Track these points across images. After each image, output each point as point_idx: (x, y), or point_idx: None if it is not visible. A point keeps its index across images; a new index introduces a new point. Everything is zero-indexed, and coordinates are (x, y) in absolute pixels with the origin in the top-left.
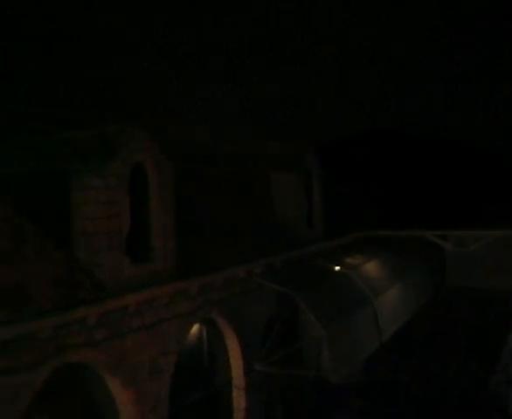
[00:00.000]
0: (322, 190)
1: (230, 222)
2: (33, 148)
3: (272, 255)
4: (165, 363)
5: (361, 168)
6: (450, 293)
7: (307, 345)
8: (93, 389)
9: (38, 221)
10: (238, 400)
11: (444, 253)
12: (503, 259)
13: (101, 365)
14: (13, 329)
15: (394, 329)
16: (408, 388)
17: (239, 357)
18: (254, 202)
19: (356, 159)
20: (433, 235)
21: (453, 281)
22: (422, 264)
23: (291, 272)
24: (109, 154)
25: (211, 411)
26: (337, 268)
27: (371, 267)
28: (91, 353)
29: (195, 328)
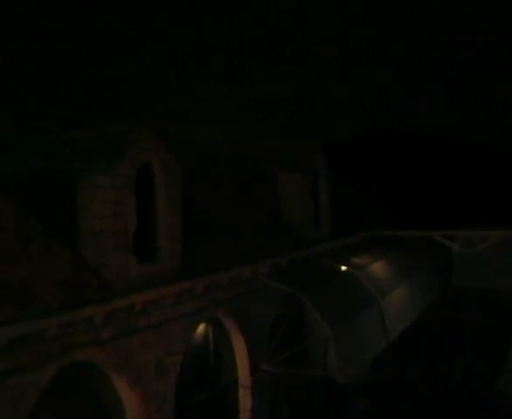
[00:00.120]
0: (329, 190)
1: (236, 221)
2: (40, 148)
3: (278, 255)
4: (171, 363)
5: (368, 167)
6: (457, 293)
7: (314, 345)
8: (99, 389)
9: (45, 220)
10: (244, 399)
11: (451, 253)
12: (511, 260)
13: (108, 364)
14: (19, 328)
15: (401, 329)
16: (415, 388)
17: (245, 357)
18: (261, 201)
19: (362, 159)
20: (440, 235)
21: (460, 281)
22: (429, 265)
23: (297, 272)
24: (116, 153)
25: (216, 411)
26: (344, 268)
27: (378, 267)
28: (97, 353)
29: (201, 328)
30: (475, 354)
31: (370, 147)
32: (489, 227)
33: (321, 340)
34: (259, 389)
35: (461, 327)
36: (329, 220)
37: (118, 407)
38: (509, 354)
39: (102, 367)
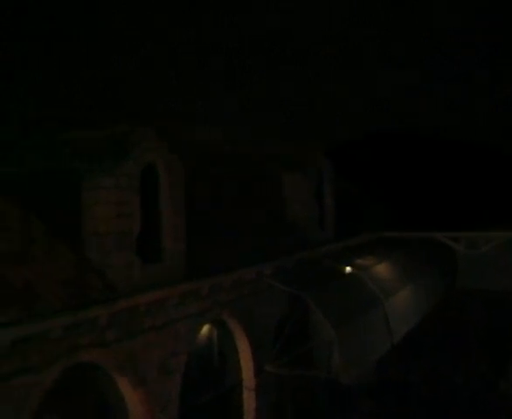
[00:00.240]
0: (333, 191)
1: (240, 222)
2: (44, 148)
3: (282, 256)
4: (176, 363)
5: (372, 169)
6: (461, 295)
7: (318, 346)
8: (103, 389)
9: (49, 221)
10: (249, 401)
11: (455, 255)
12: None
13: (112, 365)
14: (23, 329)
15: (405, 331)
16: (419, 389)
17: (250, 358)
18: (265, 203)
19: (366, 160)
20: (444, 236)
21: (464, 283)
22: (433, 266)
23: (301, 273)
24: (120, 154)
25: (221, 412)
26: (348, 269)
27: (382, 268)
28: (102, 354)
29: (205, 329)
30: (479, 356)
31: (373, 149)
32: (493, 228)
33: (325, 341)
34: (264, 391)
35: (465, 329)
36: (333, 221)
37: (122, 407)
38: None
39: (106, 367)
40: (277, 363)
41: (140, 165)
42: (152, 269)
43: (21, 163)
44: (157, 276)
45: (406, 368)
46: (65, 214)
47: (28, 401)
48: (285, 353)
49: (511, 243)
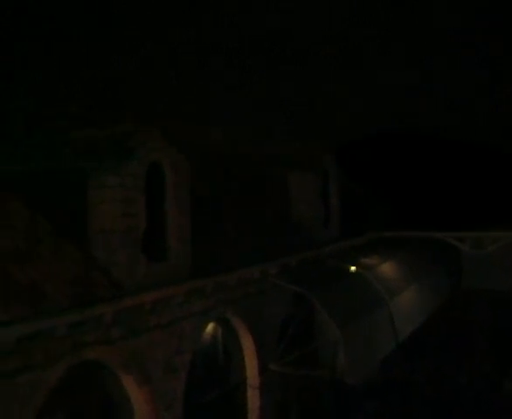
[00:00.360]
0: (339, 191)
1: (246, 222)
2: (49, 147)
3: (287, 255)
4: (180, 362)
5: (377, 168)
6: (466, 295)
7: (323, 345)
8: (108, 387)
9: (55, 220)
10: (253, 399)
11: (461, 255)
12: None
13: (117, 363)
14: (29, 327)
15: (410, 330)
16: (423, 389)
17: (254, 357)
18: (271, 202)
19: (372, 159)
20: (450, 236)
21: (469, 283)
22: (438, 266)
23: (306, 273)
24: (126, 153)
25: (225, 410)
26: (353, 268)
27: (387, 268)
28: (107, 352)
29: (210, 327)
30: (483, 356)
31: (379, 149)
32: (499, 228)
33: (330, 340)
34: (268, 389)
35: (470, 329)
36: (339, 221)
37: (127, 405)
38: None
39: (111, 365)
40: (281, 362)
41: (145, 164)
42: (157, 267)
43: (27, 162)
44: (162, 274)
45: (411, 368)
46: (71, 212)
47: (33, 398)
48: (289, 352)
49: None
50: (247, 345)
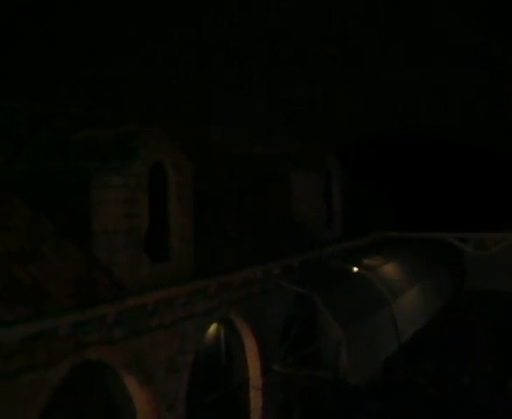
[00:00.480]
0: (342, 191)
1: (248, 222)
2: (52, 147)
3: (290, 255)
4: (183, 362)
5: (380, 168)
6: (469, 296)
7: (326, 346)
8: (110, 387)
9: (57, 220)
10: (255, 400)
11: (464, 255)
12: None
13: (119, 363)
14: (31, 327)
15: (412, 331)
16: (426, 390)
17: (257, 357)
18: (273, 202)
19: (375, 159)
20: (453, 237)
21: (472, 284)
22: (441, 267)
23: (309, 273)
24: (129, 153)
25: (227, 411)
26: (355, 269)
27: (390, 269)
28: (109, 352)
29: (212, 328)
30: (486, 357)
31: (382, 149)
32: (502, 229)
33: (332, 341)
34: (270, 390)
35: (473, 330)
36: (341, 221)
37: (129, 406)
38: None
39: (114, 366)
40: (284, 363)
41: (148, 164)
42: (160, 267)
43: (30, 162)
44: (165, 274)
45: (414, 369)
46: (74, 212)
47: (36, 398)
48: (292, 353)
49: None
50: (250, 345)
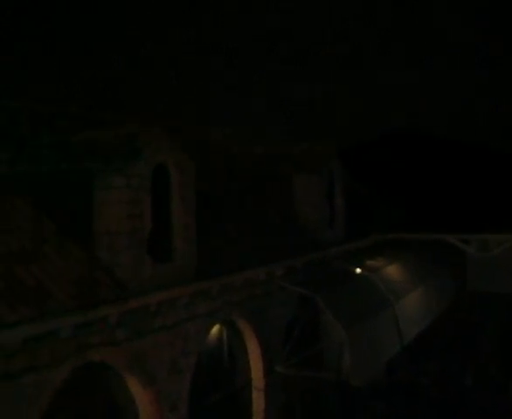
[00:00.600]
0: (344, 192)
1: (251, 223)
2: (55, 147)
3: (293, 257)
4: (185, 363)
5: (382, 169)
6: (472, 297)
7: (328, 347)
8: (113, 389)
9: (60, 220)
10: (258, 401)
11: (466, 257)
12: None
13: (122, 364)
14: (34, 327)
15: (415, 332)
16: (429, 391)
17: (259, 359)
18: (276, 203)
19: (378, 161)
20: (455, 238)
21: (475, 285)
22: (444, 268)
23: (312, 274)
24: (132, 154)
25: (230, 412)
26: (358, 270)
27: (392, 270)
28: (112, 353)
29: (215, 329)
30: (489, 358)
31: (384, 149)
32: (505, 230)
33: (335, 342)
34: (273, 391)
35: (475, 331)
36: (344, 222)
37: (132, 407)
38: None
39: (116, 367)
40: (287, 364)
41: (151, 165)
42: (163, 268)
43: (32, 163)
44: (168, 275)
45: (416, 370)
46: (77, 213)
47: (38, 399)
48: (294, 354)
49: None
50: (252, 347)
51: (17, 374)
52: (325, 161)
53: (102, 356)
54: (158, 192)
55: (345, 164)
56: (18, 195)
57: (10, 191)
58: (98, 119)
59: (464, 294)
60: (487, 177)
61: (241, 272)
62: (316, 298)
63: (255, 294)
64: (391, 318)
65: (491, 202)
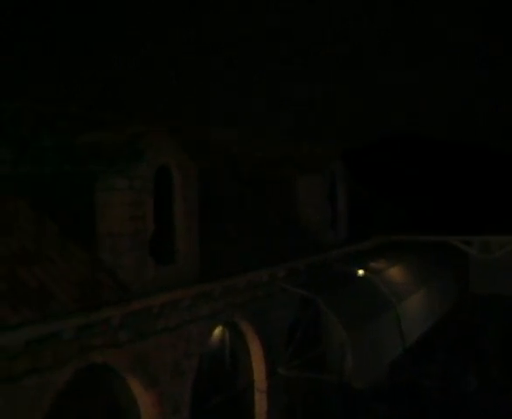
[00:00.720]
0: (346, 194)
1: (254, 224)
2: (58, 149)
3: (295, 259)
4: (188, 365)
5: (385, 171)
6: (474, 299)
7: (330, 349)
8: (115, 390)
9: (62, 222)
10: (260, 403)
11: (468, 259)
12: None
13: (124, 366)
14: (36, 329)
15: (417, 334)
16: (431, 393)
17: (262, 360)
18: (278, 205)
19: (380, 162)
20: (458, 240)
21: (477, 287)
22: (446, 270)
23: (314, 276)
24: (134, 155)
25: (232, 414)
26: (360, 272)
27: (395, 272)
28: (114, 355)
29: (217, 331)
30: (491, 360)
31: (387, 151)
32: (507, 232)
33: (338, 344)
34: (275, 393)
35: (478, 333)
36: (346, 224)
37: (134, 409)
38: None
39: (118, 369)
40: (289, 366)
41: (153, 166)
42: (165, 270)
43: (35, 164)
44: (170, 277)
45: (418, 372)
46: (79, 215)
47: (40, 401)
48: (297, 356)
49: None
50: (255, 348)
51: (20, 376)
52: (327, 162)
53: (105, 358)
54: (160, 194)
55: (347, 166)
56: (21, 197)
57: (13, 193)
58: (99, 119)
59: (466, 296)
60: (490, 178)
61: (243, 274)
62: (318, 300)
63: (257, 296)
64: (394, 320)
65: (493, 204)
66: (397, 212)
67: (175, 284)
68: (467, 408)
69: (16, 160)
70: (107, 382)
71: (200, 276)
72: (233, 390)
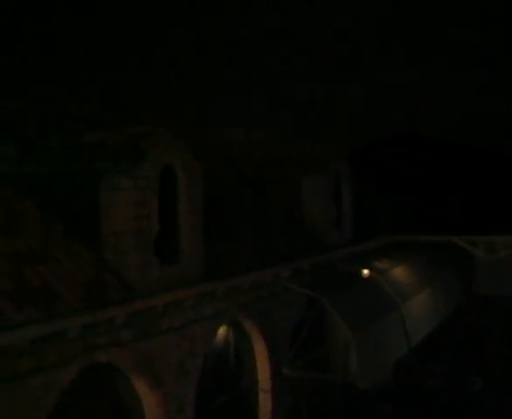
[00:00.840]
0: (351, 193)
1: (258, 224)
2: (63, 149)
3: (300, 258)
4: (192, 365)
5: (390, 171)
6: (479, 300)
7: (335, 349)
8: (119, 390)
9: (67, 221)
10: (264, 403)
11: (473, 259)
12: None
13: (129, 366)
14: (41, 328)
15: (422, 334)
16: (436, 393)
17: (266, 360)
18: (283, 204)
19: (385, 162)
20: (462, 240)
21: (482, 287)
22: (450, 270)
23: (318, 276)
24: (139, 155)
25: (236, 414)
26: (365, 272)
27: (399, 272)
28: (118, 354)
29: (222, 331)
30: (496, 361)
31: (392, 151)
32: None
33: (342, 344)
34: (279, 393)
35: (483, 333)
36: (351, 224)
37: (138, 408)
38: None
39: (123, 368)
40: (293, 366)
41: (158, 166)
42: (170, 270)
43: (40, 164)
44: (175, 277)
45: (423, 372)
46: (84, 214)
47: (45, 400)
48: (301, 356)
49: None
50: (259, 348)
51: (25, 375)
52: (332, 162)
53: (109, 357)
54: (165, 193)
55: (352, 165)
56: (26, 196)
57: (18, 192)
58: (103, 119)
59: (471, 296)
60: (495, 179)
61: (248, 274)
62: (323, 300)
63: (262, 296)
64: (398, 319)
65: (498, 204)
66: (401, 212)
67: (179, 283)
68: (472, 409)
69: (21, 159)
70: (111, 382)
71: (204, 276)
72: (238, 390)
